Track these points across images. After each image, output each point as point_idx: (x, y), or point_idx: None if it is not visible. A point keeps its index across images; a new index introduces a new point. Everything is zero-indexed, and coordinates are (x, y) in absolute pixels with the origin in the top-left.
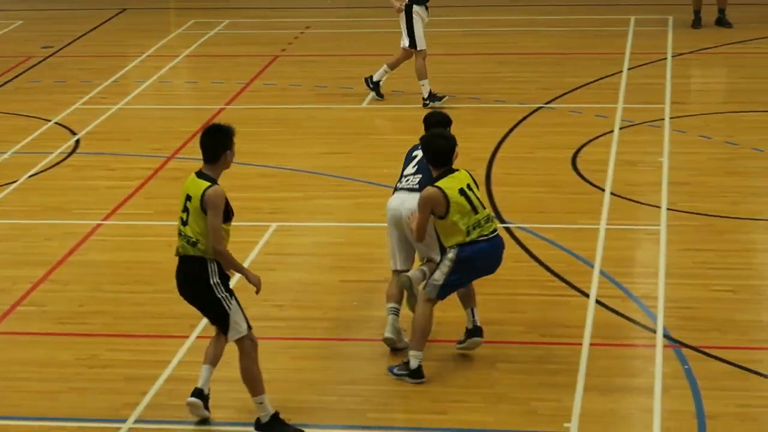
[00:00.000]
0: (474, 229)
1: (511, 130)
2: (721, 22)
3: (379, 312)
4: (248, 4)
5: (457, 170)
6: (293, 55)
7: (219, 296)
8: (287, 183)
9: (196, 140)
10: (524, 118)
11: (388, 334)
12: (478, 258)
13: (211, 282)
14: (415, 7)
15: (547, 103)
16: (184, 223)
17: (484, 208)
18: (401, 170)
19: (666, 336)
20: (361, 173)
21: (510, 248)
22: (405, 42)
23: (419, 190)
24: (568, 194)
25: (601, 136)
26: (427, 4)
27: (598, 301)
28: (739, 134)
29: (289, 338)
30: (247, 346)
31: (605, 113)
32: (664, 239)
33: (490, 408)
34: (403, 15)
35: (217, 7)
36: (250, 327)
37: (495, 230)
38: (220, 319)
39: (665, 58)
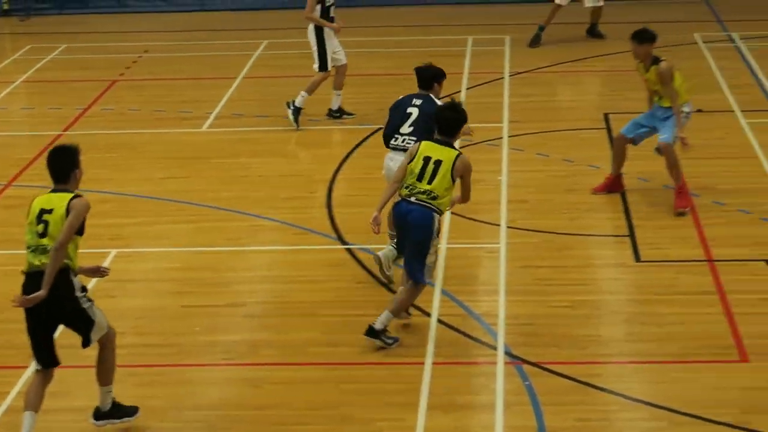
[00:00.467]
0: (406, 188)
1: (351, 151)
2: (593, 32)
3: (223, 336)
4: (85, 28)
5: (451, 149)
6: (131, 80)
7: (84, 307)
8: (126, 209)
9: (34, 167)
10: (365, 139)
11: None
12: (394, 216)
13: (76, 295)
14: (326, 29)
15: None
16: (42, 234)
17: (430, 183)
18: (390, 123)
19: (507, 353)
20: (200, 197)
21: (353, 269)
22: (314, 66)
23: None
24: None
25: None
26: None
27: (439, 320)
28: (575, 151)
29: (130, 365)
30: (111, 336)
31: None
32: (504, 257)
33: (335, 429)
34: (314, 39)
35: (53, 32)
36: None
37: (418, 201)
38: (83, 327)
39: (502, 78)
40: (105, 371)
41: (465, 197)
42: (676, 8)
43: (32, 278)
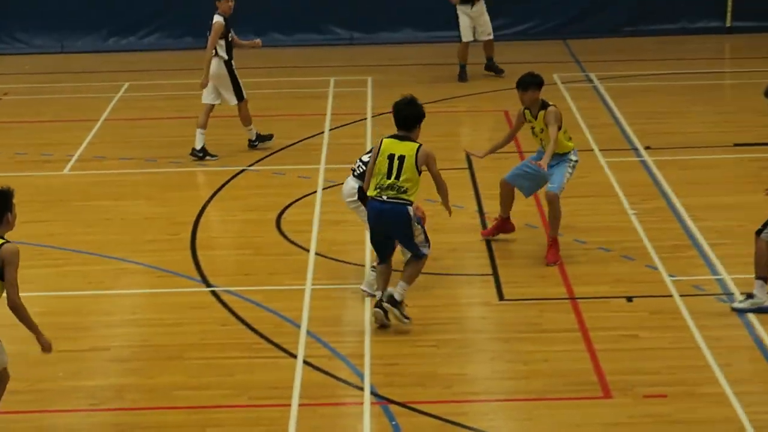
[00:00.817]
0: (376, 188)
1: (215, 193)
2: (491, 67)
3: (88, 382)
4: None
5: (412, 142)
6: None
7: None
8: None
9: None
10: (228, 181)
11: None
12: (369, 215)
13: None
14: (233, 63)
15: (250, 165)
16: None
17: (398, 179)
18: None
19: (373, 393)
20: (62, 241)
21: (216, 312)
22: (233, 99)
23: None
24: (274, 255)
25: (304, 196)
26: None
27: (305, 362)
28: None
29: None
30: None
31: (308, 174)
32: (369, 297)
33: None
34: (226, 76)
35: None
36: None
37: (388, 198)
38: None
39: (365, 119)
40: None
41: (439, 185)
42: (535, 49)
43: None
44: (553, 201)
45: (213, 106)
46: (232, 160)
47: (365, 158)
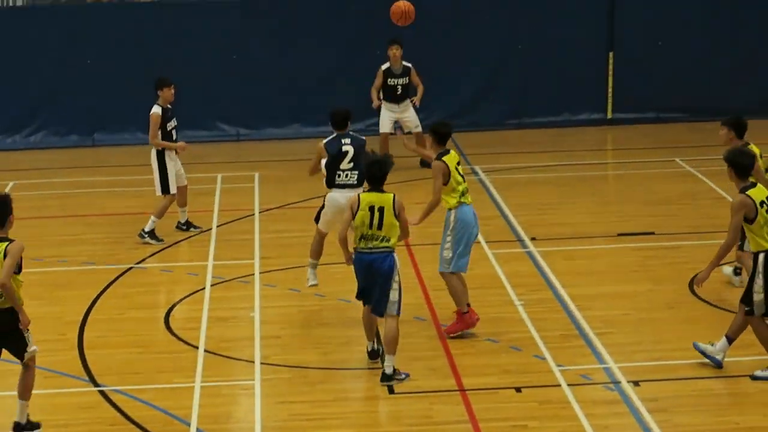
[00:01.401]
0: (361, 240)
1: (102, 292)
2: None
3: None
4: None
5: (386, 193)
6: None
7: (26, 335)
8: None
9: None
10: (116, 279)
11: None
12: (356, 268)
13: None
14: (168, 152)
15: (138, 263)
16: None
17: (380, 229)
18: (332, 163)
19: None
20: None
21: (105, 412)
22: (158, 189)
23: (358, 185)
24: (162, 353)
25: (193, 293)
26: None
27: None
28: (326, 286)
29: None
30: (34, 360)
31: (197, 271)
32: (259, 393)
33: None
34: (155, 163)
35: None
36: None
37: (376, 249)
38: (22, 349)
39: (253, 214)
40: (29, 389)
41: (404, 232)
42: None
43: None
44: (443, 278)
45: (186, 185)
46: (118, 258)
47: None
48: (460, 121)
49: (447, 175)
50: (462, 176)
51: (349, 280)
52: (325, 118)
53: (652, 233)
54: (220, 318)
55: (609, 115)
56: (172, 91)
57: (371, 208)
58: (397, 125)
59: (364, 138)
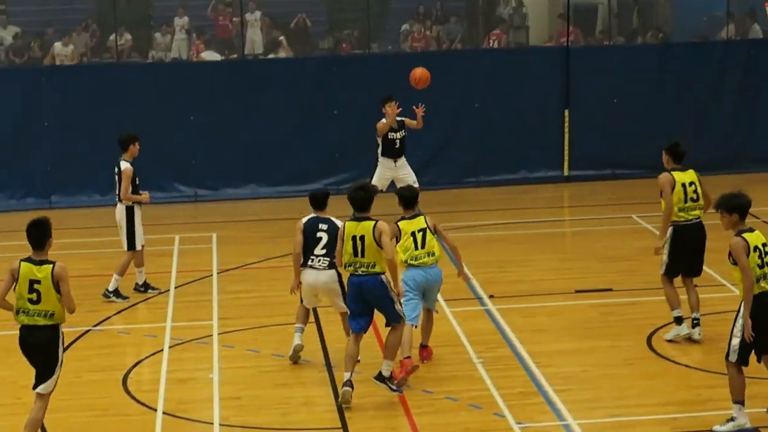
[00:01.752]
0: (349, 266)
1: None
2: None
3: None
4: None
5: (368, 221)
6: None
7: (60, 356)
8: None
9: None
10: (73, 342)
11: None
12: (348, 289)
13: (59, 343)
14: (136, 208)
15: (95, 326)
16: (35, 302)
17: (363, 257)
18: (306, 243)
19: None
20: None
21: None
22: (124, 245)
23: (329, 269)
24: (121, 416)
25: (151, 355)
26: None
27: None
28: (285, 346)
29: None
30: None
31: (155, 332)
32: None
33: None
34: (123, 219)
35: None
36: None
37: (363, 272)
38: (51, 371)
39: (211, 275)
40: (37, 425)
41: (390, 263)
42: (379, 202)
43: (31, 329)
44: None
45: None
46: (75, 320)
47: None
48: (418, 179)
49: (398, 237)
50: (416, 242)
51: (308, 339)
52: (281, 177)
53: (610, 290)
54: (179, 379)
55: (566, 172)
56: (138, 147)
57: (353, 238)
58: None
59: (340, 224)
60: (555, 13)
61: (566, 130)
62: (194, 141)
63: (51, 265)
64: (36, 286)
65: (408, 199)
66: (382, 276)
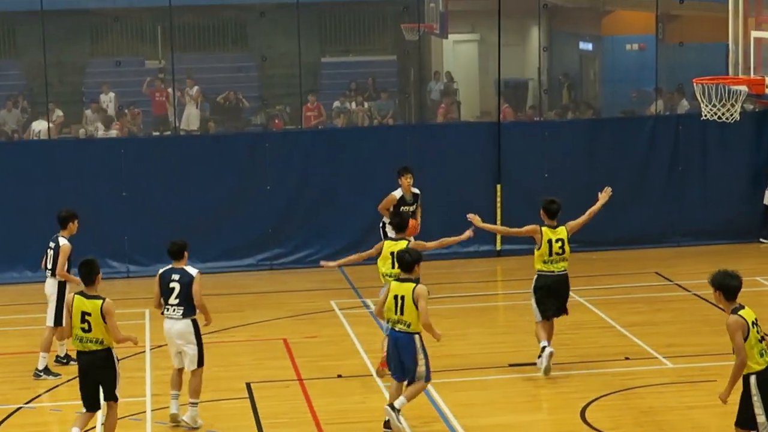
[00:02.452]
0: (389, 321)
1: None
2: None
3: None
4: None
5: (410, 282)
6: None
7: (117, 372)
8: None
9: None
10: (4, 420)
11: None
12: (389, 342)
13: (114, 360)
14: (68, 285)
15: (27, 403)
16: (87, 330)
17: (402, 315)
18: (162, 294)
19: None
20: None
21: None
22: (49, 321)
23: (183, 318)
24: None
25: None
26: None
27: None
28: (219, 422)
29: None
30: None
31: None
32: None
33: None
34: (54, 293)
35: None
36: None
37: (400, 330)
38: (113, 388)
39: (144, 351)
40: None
41: (423, 322)
42: (313, 276)
43: (84, 354)
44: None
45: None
46: (5, 398)
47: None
48: (350, 254)
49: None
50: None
51: (242, 416)
52: (215, 253)
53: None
54: None
55: (498, 247)
56: (76, 225)
57: (395, 297)
58: None
59: (194, 273)
60: (486, 89)
61: (498, 204)
62: (127, 217)
63: (101, 301)
64: (87, 317)
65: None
66: (416, 336)
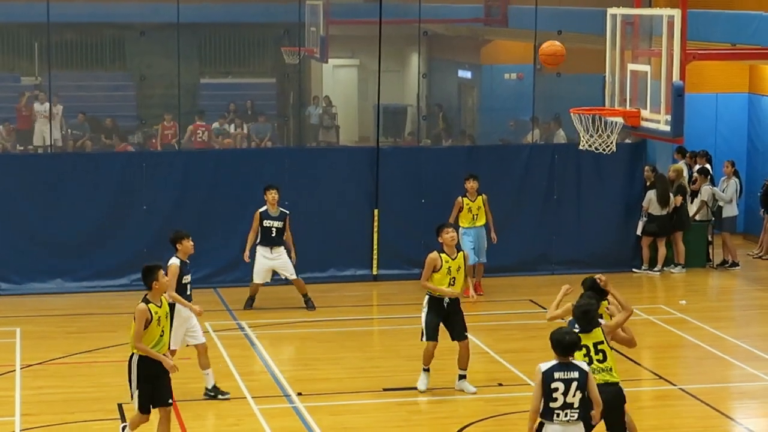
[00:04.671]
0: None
1: None
2: (307, 303)
3: None
4: None
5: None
6: None
7: (132, 379)
8: None
9: None
10: None
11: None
12: None
13: (132, 368)
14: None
15: None
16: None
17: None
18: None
19: None
20: None
21: None
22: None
23: None
24: None
25: None
26: None
27: None
28: None
29: None
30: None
31: None
32: None
33: None
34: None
35: None
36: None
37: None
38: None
39: (14, 370)
40: None
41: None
42: None
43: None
44: None
45: (203, 344)
46: None
47: None
48: (225, 276)
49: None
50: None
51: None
52: (89, 273)
53: (416, 388)
54: None
55: (374, 271)
56: (191, 244)
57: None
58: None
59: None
60: (365, 114)
61: (375, 229)
62: None
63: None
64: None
65: None
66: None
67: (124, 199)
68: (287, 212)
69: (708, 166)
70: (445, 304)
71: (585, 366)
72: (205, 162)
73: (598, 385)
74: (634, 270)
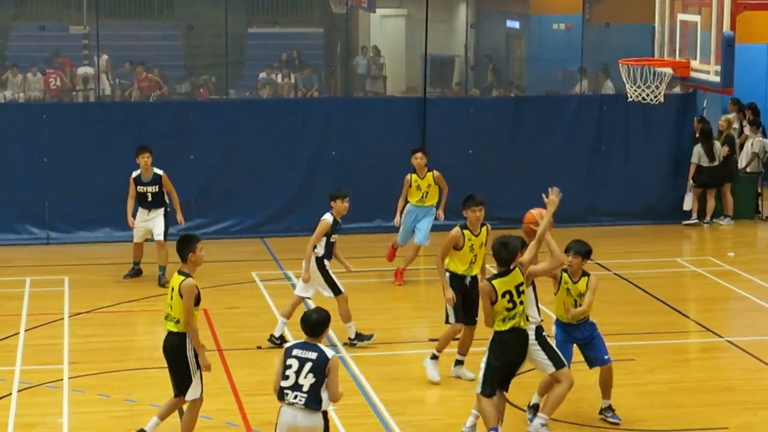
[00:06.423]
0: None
1: None
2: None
3: None
4: None
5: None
6: None
7: (191, 361)
8: None
9: None
10: None
11: None
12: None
13: (186, 349)
14: (326, 261)
15: None
16: (171, 308)
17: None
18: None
19: None
20: None
21: None
22: (329, 293)
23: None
24: None
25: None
26: None
27: None
28: (138, 391)
29: None
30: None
31: (4, 376)
32: None
33: None
34: (317, 271)
35: None
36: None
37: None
38: (186, 376)
39: (62, 318)
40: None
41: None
42: (235, 247)
43: (166, 335)
44: None
45: (302, 298)
46: None
47: None
48: (272, 226)
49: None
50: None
51: (162, 385)
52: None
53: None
54: (28, 424)
55: None
56: (346, 205)
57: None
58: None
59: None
60: (412, 64)
61: None
62: (47, 183)
63: (183, 278)
64: (172, 293)
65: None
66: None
67: (171, 148)
68: (161, 173)
69: (759, 118)
70: (468, 283)
71: (330, 353)
72: (252, 112)
73: (509, 330)
74: (683, 221)
